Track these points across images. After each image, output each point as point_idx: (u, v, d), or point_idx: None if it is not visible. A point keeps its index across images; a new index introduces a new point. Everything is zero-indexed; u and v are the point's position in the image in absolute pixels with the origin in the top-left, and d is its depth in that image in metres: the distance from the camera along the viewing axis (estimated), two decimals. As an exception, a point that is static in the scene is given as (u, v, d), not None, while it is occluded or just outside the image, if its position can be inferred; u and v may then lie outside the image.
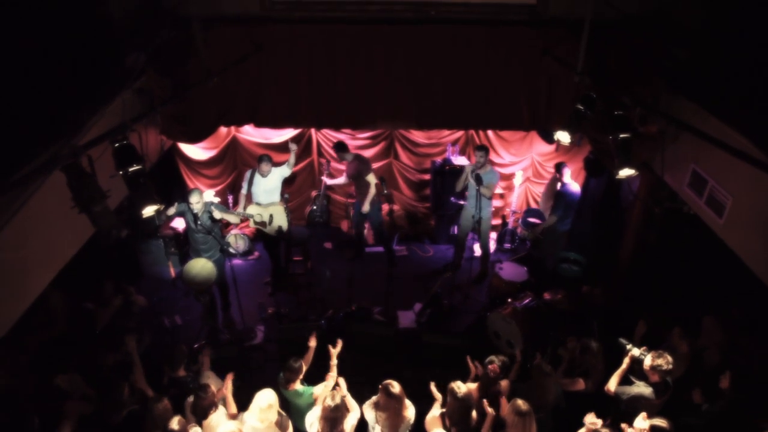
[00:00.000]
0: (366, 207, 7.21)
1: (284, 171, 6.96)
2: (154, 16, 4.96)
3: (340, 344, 4.70)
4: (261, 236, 7.29)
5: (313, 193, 8.37)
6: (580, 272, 7.04)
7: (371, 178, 7.15)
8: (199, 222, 5.93)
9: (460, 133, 7.93)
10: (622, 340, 4.47)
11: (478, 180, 6.66)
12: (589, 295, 6.12)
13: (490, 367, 4.50)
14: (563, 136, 4.91)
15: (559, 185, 6.91)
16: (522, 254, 7.64)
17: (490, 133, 7.80)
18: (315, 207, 8.27)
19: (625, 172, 4.39)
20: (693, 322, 5.26)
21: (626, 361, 4.37)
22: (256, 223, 6.88)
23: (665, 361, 4.12)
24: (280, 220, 6.90)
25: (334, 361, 4.57)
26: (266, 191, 6.88)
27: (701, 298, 5.60)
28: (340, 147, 7.26)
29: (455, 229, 8.11)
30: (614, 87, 4.66)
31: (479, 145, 7.20)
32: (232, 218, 6.26)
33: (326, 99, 5.77)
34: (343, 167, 7.86)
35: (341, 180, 7.71)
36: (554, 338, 5.61)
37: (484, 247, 7.31)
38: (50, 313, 5.22)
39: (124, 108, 4.33)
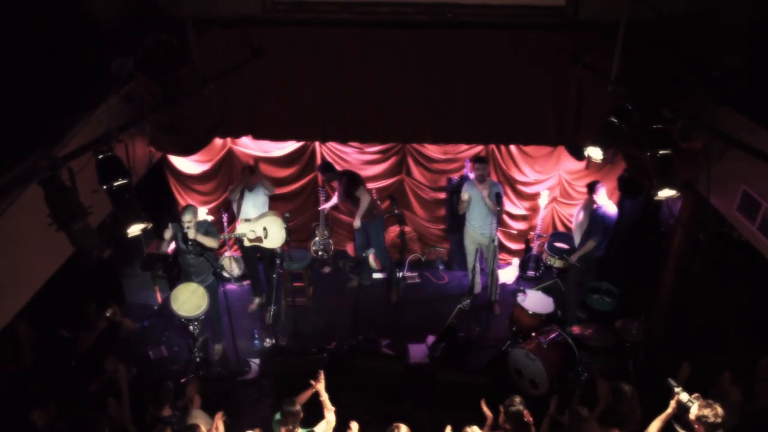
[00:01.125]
0: (357, 222, 7.29)
1: (266, 190, 7.10)
2: (143, 16, 4.99)
3: (322, 377, 4.66)
4: (252, 253, 7.30)
5: (313, 225, 8.41)
6: (613, 304, 6.95)
7: (362, 193, 7.20)
8: (190, 242, 5.92)
9: (479, 148, 7.88)
10: (671, 381, 4.34)
11: (498, 200, 6.66)
12: (624, 330, 6.02)
13: (525, 415, 4.39)
14: (595, 152, 4.85)
15: (594, 207, 6.85)
16: (548, 283, 7.55)
17: (512, 148, 7.77)
18: (316, 241, 8.31)
19: (665, 193, 4.33)
20: (747, 365, 5.11)
21: (672, 405, 4.24)
22: (251, 241, 6.87)
23: (713, 413, 3.96)
24: (275, 232, 6.88)
25: (324, 396, 4.54)
26: (255, 206, 6.95)
27: (755, 336, 5.46)
28: (326, 168, 7.41)
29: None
30: (653, 98, 4.61)
31: (477, 156, 7.21)
32: (208, 242, 6.09)
33: (332, 109, 5.77)
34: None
35: (333, 201, 7.84)
36: (583, 379, 5.53)
37: (493, 272, 7.27)
38: (17, 345, 5.20)
39: (109, 116, 4.32)
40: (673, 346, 6.14)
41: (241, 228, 6.88)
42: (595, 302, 7.02)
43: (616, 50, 4.60)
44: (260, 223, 6.88)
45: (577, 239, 7.07)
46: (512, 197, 8.11)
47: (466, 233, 7.34)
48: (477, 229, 7.06)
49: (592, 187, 6.70)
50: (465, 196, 7.05)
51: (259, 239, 6.88)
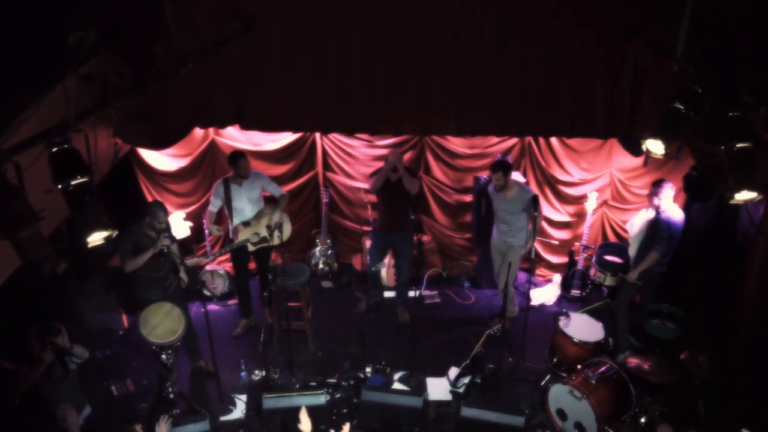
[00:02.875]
0: None
1: (268, 186, 7.11)
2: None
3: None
4: (245, 262, 7.29)
5: (313, 232, 8.37)
6: (677, 331, 6.85)
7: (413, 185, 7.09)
8: (165, 249, 5.94)
9: (513, 141, 7.90)
10: None
11: (535, 204, 6.72)
12: (691, 363, 5.93)
13: None
14: (655, 146, 4.81)
15: (656, 211, 6.76)
16: (596, 304, 7.46)
17: (553, 141, 7.76)
18: (316, 252, 8.36)
19: (744, 196, 4.30)
20: None
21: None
22: (255, 245, 6.96)
23: None
24: (285, 223, 7.00)
25: None
26: (251, 202, 6.96)
27: None
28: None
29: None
30: (728, 79, 4.55)
31: (496, 161, 7.15)
32: (181, 264, 6.20)
33: (335, 94, 5.78)
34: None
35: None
36: (641, 423, 5.43)
37: (507, 288, 7.16)
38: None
39: (66, 100, 4.30)
40: (753, 384, 6.01)
41: (243, 235, 6.93)
42: (655, 328, 6.92)
43: (683, 22, 4.59)
44: (262, 223, 6.96)
45: (632, 252, 6.99)
46: (553, 201, 8.07)
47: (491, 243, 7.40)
48: (501, 234, 7.21)
49: (656, 186, 6.61)
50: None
51: (265, 240, 6.94)
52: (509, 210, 6.97)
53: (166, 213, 6.07)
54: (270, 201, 7.22)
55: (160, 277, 6.22)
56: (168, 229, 6.19)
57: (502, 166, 6.85)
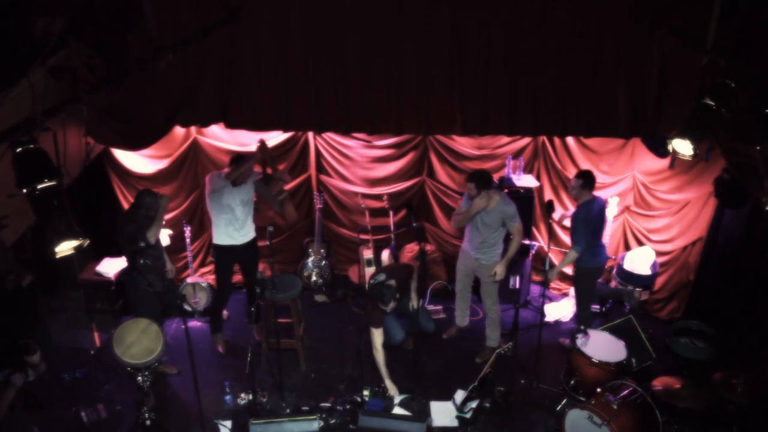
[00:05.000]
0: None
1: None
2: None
3: None
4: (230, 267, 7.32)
5: (305, 241, 8.40)
6: (708, 351, 6.84)
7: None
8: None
9: (525, 141, 7.91)
10: None
11: (549, 209, 6.73)
12: (725, 386, 5.91)
13: None
14: (683, 147, 4.86)
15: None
16: (618, 321, 7.44)
17: (570, 141, 7.77)
18: (309, 263, 8.34)
19: None
20: None
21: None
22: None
23: None
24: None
25: None
26: (243, 204, 6.94)
27: None
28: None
29: (516, 282, 8.06)
30: (764, 72, 4.54)
31: (473, 172, 6.98)
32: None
33: (330, 89, 5.80)
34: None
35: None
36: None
37: (489, 311, 7.32)
38: None
39: (32, 96, 4.30)
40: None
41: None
42: (684, 348, 6.90)
43: (714, 9, 4.58)
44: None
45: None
46: (569, 206, 8.05)
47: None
48: (472, 246, 7.06)
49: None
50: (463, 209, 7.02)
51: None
52: (485, 221, 6.83)
53: (156, 196, 6.16)
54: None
55: (161, 264, 6.37)
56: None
57: (476, 178, 6.68)
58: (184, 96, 5.76)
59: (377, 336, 6.49)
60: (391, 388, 6.67)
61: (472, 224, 6.93)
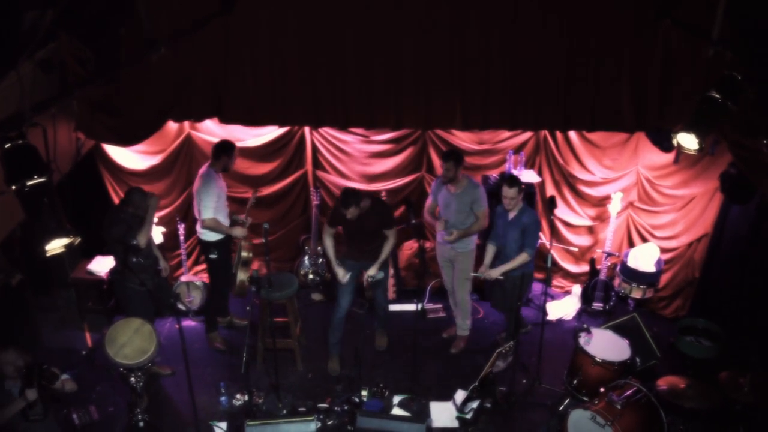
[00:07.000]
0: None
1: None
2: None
3: None
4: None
5: (302, 238, 8.41)
6: (714, 350, 6.85)
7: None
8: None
9: (526, 136, 7.91)
10: None
11: (552, 204, 6.71)
12: (731, 386, 5.91)
13: None
14: (688, 141, 4.84)
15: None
16: (622, 319, 7.44)
17: (572, 135, 7.76)
18: (305, 261, 8.34)
19: None
20: None
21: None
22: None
23: None
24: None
25: None
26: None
27: None
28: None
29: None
30: (772, 64, 4.55)
31: (446, 151, 7.15)
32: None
33: (327, 83, 5.79)
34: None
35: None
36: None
37: (461, 302, 7.38)
38: None
39: (20, 90, 4.29)
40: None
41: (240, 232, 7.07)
42: (689, 347, 6.91)
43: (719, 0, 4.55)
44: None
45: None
46: (572, 202, 8.08)
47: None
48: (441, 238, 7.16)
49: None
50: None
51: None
52: (455, 207, 6.89)
53: (145, 195, 6.19)
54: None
55: (153, 261, 6.41)
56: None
57: (454, 156, 6.78)
58: (177, 90, 5.75)
59: (326, 232, 6.85)
60: (339, 272, 6.81)
61: (442, 213, 7.06)
